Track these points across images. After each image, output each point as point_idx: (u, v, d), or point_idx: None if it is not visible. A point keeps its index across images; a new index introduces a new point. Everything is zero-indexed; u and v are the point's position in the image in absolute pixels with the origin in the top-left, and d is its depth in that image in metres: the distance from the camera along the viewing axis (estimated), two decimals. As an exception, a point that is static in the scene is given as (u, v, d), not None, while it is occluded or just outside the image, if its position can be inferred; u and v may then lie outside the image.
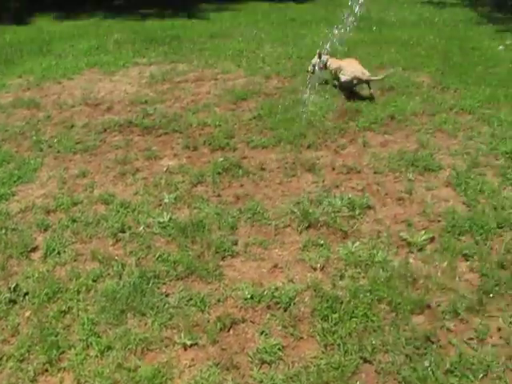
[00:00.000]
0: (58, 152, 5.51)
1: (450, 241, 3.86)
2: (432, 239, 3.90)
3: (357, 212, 4.23)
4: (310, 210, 4.22)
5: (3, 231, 4.15)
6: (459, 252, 3.75)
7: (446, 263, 3.64)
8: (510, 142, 5.39)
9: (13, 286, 3.52)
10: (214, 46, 9.66)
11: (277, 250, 3.83)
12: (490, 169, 4.94)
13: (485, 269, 3.57)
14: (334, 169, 4.95)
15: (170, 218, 4.19)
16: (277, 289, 3.42)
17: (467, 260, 3.70)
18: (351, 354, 2.94)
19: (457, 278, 3.52)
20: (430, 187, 4.63)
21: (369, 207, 4.32)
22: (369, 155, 5.20)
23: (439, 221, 4.14)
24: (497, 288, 3.41)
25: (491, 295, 3.36)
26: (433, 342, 3.01)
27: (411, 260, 3.69)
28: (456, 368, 2.83)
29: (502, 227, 4.03)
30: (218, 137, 5.63)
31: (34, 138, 5.86)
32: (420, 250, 3.80)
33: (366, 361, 2.91)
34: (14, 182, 4.94)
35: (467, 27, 11.39)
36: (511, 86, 7.10)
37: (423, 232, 3.97)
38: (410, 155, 5.14)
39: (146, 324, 3.21)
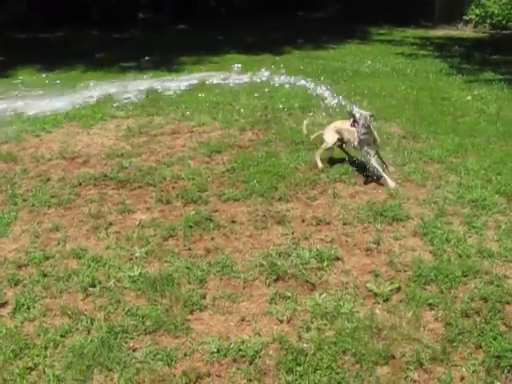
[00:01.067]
0: (33, 206, 5.54)
1: (416, 290, 3.93)
2: (398, 289, 3.97)
3: (325, 264, 4.29)
4: (279, 263, 4.28)
5: (-27, 286, 4.15)
6: (424, 301, 3.81)
7: (411, 313, 3.69)
8: (475, 190, 5.53)
9: (-21, 343, 3.51)
10: (191, 98, 9.84)
11: (245, 303, 3.87)
12: (456, 217, 5.05)
13: (449, 318, 3.64)
14: (303, 221, 5.03)
15: (140, 273, 4.22)
16: (243, 342, 3.44)
17: (432, 309, 3.76)
18: (315, 407, 2.96)
19: (421, 328, 3.57)
20: (398, 237, 4.73)
21: (337, 258, 4.38)
22: (338, 206, 5.29)
23: (406, 271, 4.22)
24: (460, 337, 3.47)
25: (455, 344, 3.41)
26: (396, 394, 3.05)
27: (377, 311, 3.75)
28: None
29: (466, 275, 4.11)
30: (191, 190, 5.71)
31: (10, 191, 5.89)
32: (386, 300, 3.85)
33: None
34: (-13, 236, 4.95)
35: (438, 78, 11.75)
36: (478, 136, 7.33)
37: (389, 282, 4.04)
38: (378, 206, 5.25)
39: (112, 379, 3.21)
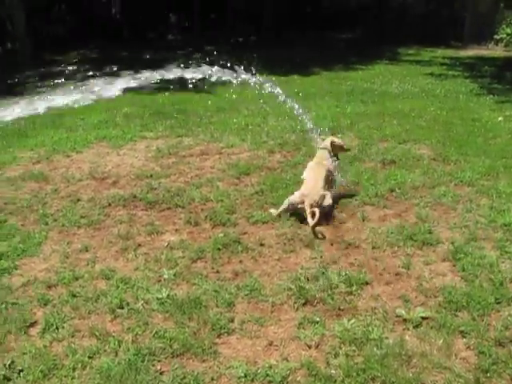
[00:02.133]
0: (63, 226, 5.60)
1: (447, 317, 3.86)
2: (428, 315, 3.90)
3: (354, 288, 4.24)
4: (307, 287, 4.25)
5: (3, 305, 4.18)
6: (456, 329, 3.74)
7: (442, 340, 3.62)
8: (508, 214, 5.45)
9: (8, 362, 3.53)
10: (220, 119, 9.92)
11: (273, 328, 3.84)
12: (488, 242, 4.97)
13: (482, 346, 3.56)
14: (332, 244, 5.00)
15: (169, 295, 4.22)
16: (271, 367, 3.41)
17: (464, 337, 3.68)
18: None
19: (453, 356, 3.50)
20: (428, 262, 4.66)
21: (366, 283, 4.34)
22: (368, 230, 5.25)
23: (436, 296, 4.15)
24: (494, 367, 3.38)
25: (488, 374, 3.33)
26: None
27: (407, 337, 3.69)
28: None
29: (499, 302, 4.03)
30: (220, 212, 5.72)
31: (41, 211, 5.96)
32: (416, 326, 3.79)
33: None
34: (18, 255, 5.00)
35: (468, 98, 11.66)
36: (510, 157, 7.23)
37: (419, 308, 3.98)
38: (408, 229, 5.19)
39: (139, 403, 3.22)
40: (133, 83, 7.33)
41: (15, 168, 7.55)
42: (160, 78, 7.13)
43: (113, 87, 10.17)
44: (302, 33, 24.96)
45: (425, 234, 5.09)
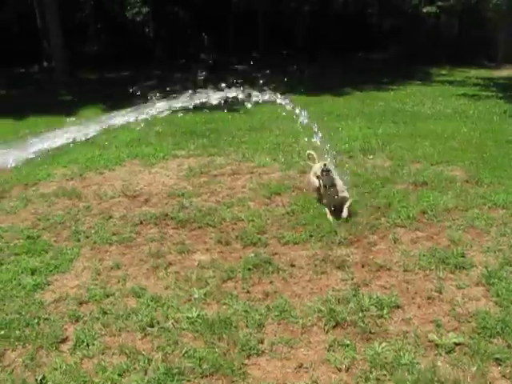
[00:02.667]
0: (95, 243, 5.66)
1: (481, 343, 3.77)
2: (461, 341, 3.83)
3: (385, 311, 4.19)
4: (338, 309, 4.21)
5: (36, 321, 4.23)
6: (490, 356, 3.65)
7: (475, 368, 3.54)
8: (544, 239, 5.34)
9: (40, 377, 3.57)
10: (251, 139, 9.97)
11: (302, 350, 3.81)
12: (523, 267, 4.88)
13: (518, 375, 3.48)
14: (363, 266, 4.95)
15: (199, 314, 4.22)
16: (300, 390, 3.39)
17: (499, 365, 3.59)
18: None
19: (487, 384, 3.43)
20: (461, 286, 4.58)
21: (397, 306, 4.28)
22: (399, 252, 5.19)
23: (469, 321, 4.07)
24: (530, 396, 3.31)
25: (524, 403, 3.26)
26: None
27: (439, 363, 3.61)
28: None
29: (535, 330, 3.94)
30: (251, 232, 5.72)
31: (73, 228, 6.05)
32: (448, 352, 3.72)
33: None
34: (51, 271, 5.07)
35: (502, 120, 11.52)
36: (546, 181, 7.10)
37: (452, 333, 3.91)
38: (440, 252, 5.12)
39: (168, 423, 3.21)
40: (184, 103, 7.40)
41: (49, 184, 7.69)
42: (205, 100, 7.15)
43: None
44: (335, 54, 25.05)
45: (457, 258, 5.01)
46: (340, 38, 27.55)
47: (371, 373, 3.54)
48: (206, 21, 27.48)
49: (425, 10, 27.24)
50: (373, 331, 3.97)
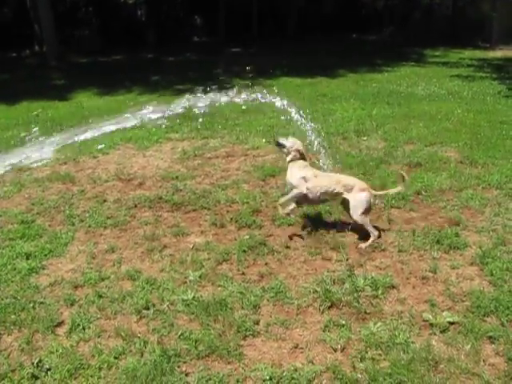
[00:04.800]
0: (89, 227, 5.65)
1: (475, 322, 3.80)
2: (455, 320, 3.85)
3: (380, 292, 4.21)
4: (333, 290, 4.23)
5: (31, 305, 4.23)
6: (484, 334, 3.69)
7: (469, 346, 3.57)
8: (538, 218, 5.36)
9: (36, 361, 3.57)
10: (245, 121, 9.92)
11: (298, 330, 3.83)
12: (517, 246, 4.89)
13: (511, 353, 3.50)
14: (358, 247, 4.97)
15: (194, 296, 4.23)
16: (296, 370, 3.40)
17: (492, 343, 3.63)
18: None
19: (481, 362, 3.45)
20: (455, 266, 4.61)
21: (392, 287, 4.30)
22: (394, 233, 5.21)
23: (463, 301, 4.10)
24: (524, 373, 3.33)
25: (517, 381, 3.28)
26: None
27: (433, 342, 3.64)
28: None
29: (529, 308, 3.96)
30: (245, 214, 5.72)
31: (67, 212, 6.03)
32: (443, 331, 3.75)
33: None
34: (45, 255, 5.06)
35: (496, 100, 11.50)
36: (540, 161, 7.11)
37: (447, 312, 3.93)
38: (435, 233, 5.14)
39: (164, 404, 3.22)
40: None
41: (42, 169, 7.64)
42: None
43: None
44: (327, 35, 24.91)
45: (452, 238, 5.03)
46: (333, 19, 27.40)
47: (366, 352, 3.56)
48: (199, 3, 27.26)
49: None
50: (368, 311, 3.99)
